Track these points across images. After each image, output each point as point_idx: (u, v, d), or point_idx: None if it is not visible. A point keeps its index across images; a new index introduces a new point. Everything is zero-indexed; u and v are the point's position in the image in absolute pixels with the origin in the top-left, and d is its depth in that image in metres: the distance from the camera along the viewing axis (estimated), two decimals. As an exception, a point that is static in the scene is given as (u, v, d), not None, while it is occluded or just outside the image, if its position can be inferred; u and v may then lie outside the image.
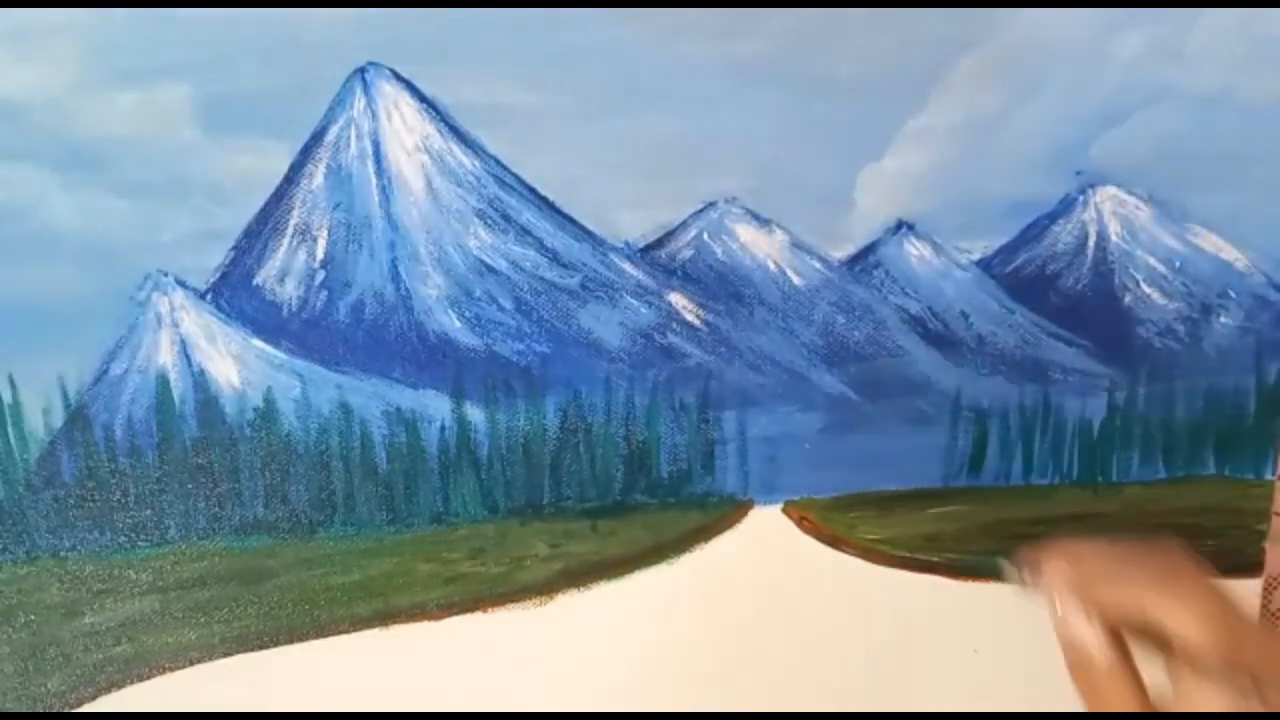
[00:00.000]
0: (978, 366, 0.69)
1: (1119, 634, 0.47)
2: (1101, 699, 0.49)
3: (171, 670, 0.67)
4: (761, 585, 0.71)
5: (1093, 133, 0.65)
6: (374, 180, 0.63)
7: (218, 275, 0.63)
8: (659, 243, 0.65)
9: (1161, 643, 0.46)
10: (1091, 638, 0.47)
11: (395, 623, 0.68)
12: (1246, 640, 0.45)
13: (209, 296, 0.63)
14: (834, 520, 0.70)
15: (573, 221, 0.64)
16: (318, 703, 0.69)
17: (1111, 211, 0.67)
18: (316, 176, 0.62)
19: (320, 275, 0.64)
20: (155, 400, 0.63)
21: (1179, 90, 0.64)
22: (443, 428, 0.66)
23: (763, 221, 0.65)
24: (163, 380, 0.63)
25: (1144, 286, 0.69)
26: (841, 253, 0.67)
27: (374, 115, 0.61)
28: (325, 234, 0.63)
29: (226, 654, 0.67)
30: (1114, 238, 0.68)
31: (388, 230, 0.64)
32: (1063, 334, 0.69)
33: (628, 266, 0.66)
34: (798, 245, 0.66)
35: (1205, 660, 0.44)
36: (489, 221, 0.64)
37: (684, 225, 0.65)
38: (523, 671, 0.70)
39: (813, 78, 0.62)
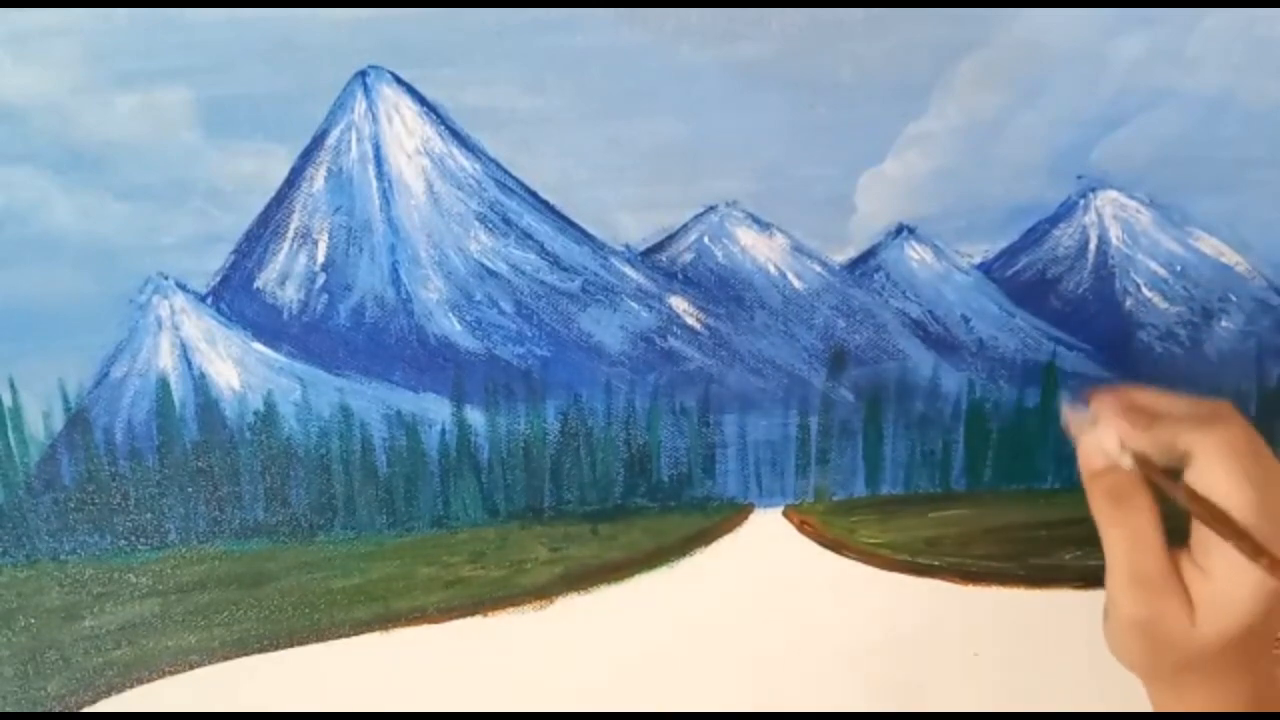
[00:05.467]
0: (979, 370, 0.69)
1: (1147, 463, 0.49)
2: (1124, 502, 0.49)
3: (172, 674, 0.67)
4: (762, 589, 0.71)
5: (1094, 136, 0.65)
6: (374, 184, 0.63)
7: (218, 278, 0.63)
8: (660, 246, 0.65)
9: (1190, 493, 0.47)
10: (1115, 441, 0.49)
11: (395, 626, 0.68)
12: (1267, 498, 0.46)
13: (209, 300, 0.63)
14: (835, 524, 0.70)
15: (573, 225, 0.64)
16: (318, 706, 0.69)
17: (1112, 215, 0.67)
18: (317, 180, 0.62)
19: (321, 279, 0.64)
20: (156, 403, 0.63)
21: (1180, 94, 0.64)
22: (443, 431, 0.66)
23: (763, 225, 0.65)
24: (163, 383, 0.63)
25: (1145, 290, 0.69)
26: (842, 256, 0.67)
27: (374, 119, 0.61)
28: (326, 237, 0.63)
29: (227, 658, 0.67)
30: (1115, 242, 0.68)
31: (388, 234, 0.64)
32: (1064, 338, 0.69)
33: (628, 270, 0.66)
34: (798, 249, 0.66)
35: (1219, 512, 0.46)
36: (490, 225, 0.64)
37: (685, 229, 0.65)
38: (523, 675, 0.70)
39: (814, 81, 0.62)
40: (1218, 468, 0.46)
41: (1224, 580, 0.47)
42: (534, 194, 0.63)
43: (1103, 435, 0.50)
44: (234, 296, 0.63)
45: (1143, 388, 0.53)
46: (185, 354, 0.63)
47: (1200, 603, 0.47)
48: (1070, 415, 0.53)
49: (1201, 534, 0.48)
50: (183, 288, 0.62)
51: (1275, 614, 0.47)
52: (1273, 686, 0.52)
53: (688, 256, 0.66)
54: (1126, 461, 0.49)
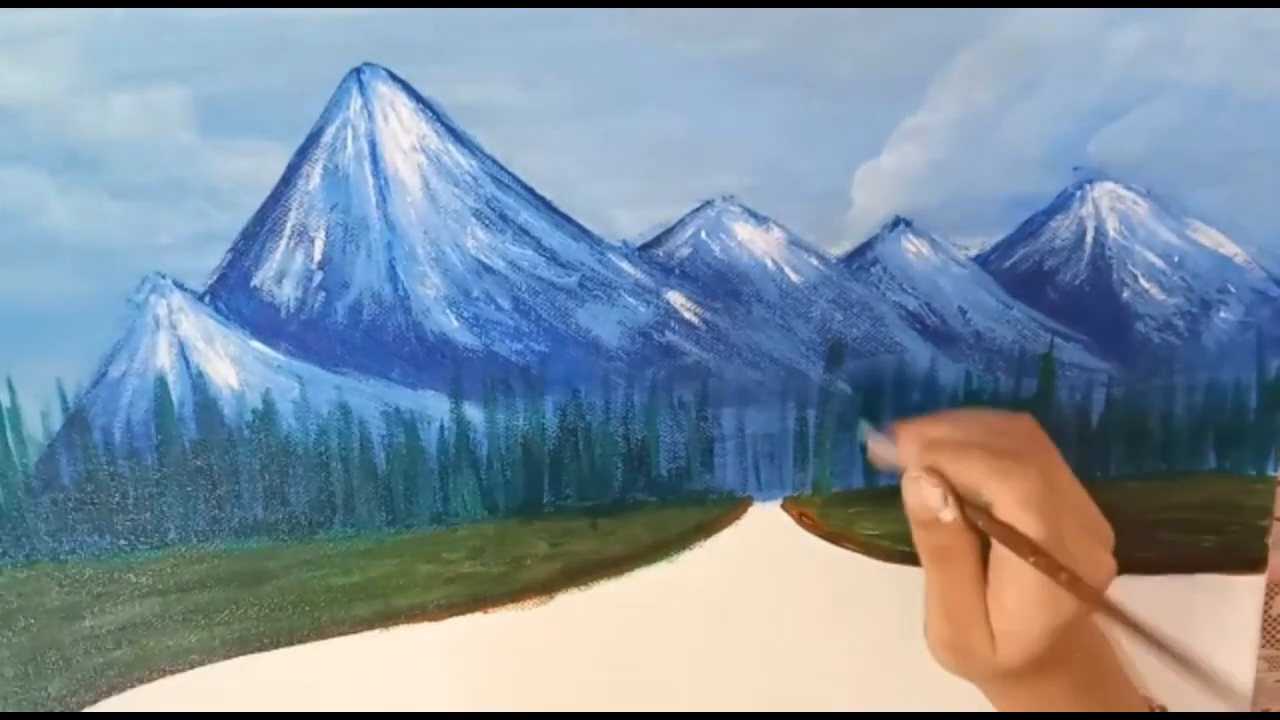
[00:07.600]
0: (976, 362, 0.69)
1: (962, 504, 0.52)
2: (946, 554, 0.53)
3: (172, 673, 0.67)
4: (762, 582, 0.71)
5: (1090, 128, 0.65)
6: (371, 181, 0.63)
7: (215, 277, 0.63)
8: (656, 241, 0.65)
9: (990, 519, 0.51)
10: (939, 497, 0.52)
11: (396, 623, 0.68)
12: (1060, 527, 0.50)
13: (207, 299, 0.63)
14: (834, 516, 0.71)
15: (570, 220, 0.64)
16: (319, 704, 0.69)
17: (1109, 207, 0.67)
18: (313, 178, 0.62)
19: (318, 276, 0.64)
20: (154, 403, 0.63)
21: (1177, 85, 0.64)
22: (442, 428, 0.66)
23: (760, 219, 0.65)
24: (161, 383, 0.63)
25: (1142, 282, 0.69)
26: (839, 250, 0.67)
27: (370, 116, 0.61)
28: (322, 235, 0.63)
29: (227, 656, 0.67)
30: (1112, 233, 0.68)
31: (385, 231, 0.64)
32: (1061, 329, 0.69)
33: (625, 265, 0.66)
34: (795, 243, 0.66)
35: (1023, 540, 0.50)
36: (486, 221, 0.64)
37: (681, 223, 0.65)
38: (524, 671, 0.70)
39: (810, 76, 0.62)
40: (1018, 519, 0.50)
41: (1015, 615, 0.51)
42: (530, 190, 0.63)
43: (925, 491, 0.52)
44: (231, 295, 0.63)
45: (943, 416, 0.57)
46: (183, 353, 0.63)
47: (999, 634, 0.52)
48: (875, 448, 0.58)
49: (998, 570, 0.52)
50: (180, 286, 0.62)
51: (1068, 635, 0.52)
52: (1096, 668, 0.58)
53: (685, 251, 0.66)
54: (949, 515, 0.52)
